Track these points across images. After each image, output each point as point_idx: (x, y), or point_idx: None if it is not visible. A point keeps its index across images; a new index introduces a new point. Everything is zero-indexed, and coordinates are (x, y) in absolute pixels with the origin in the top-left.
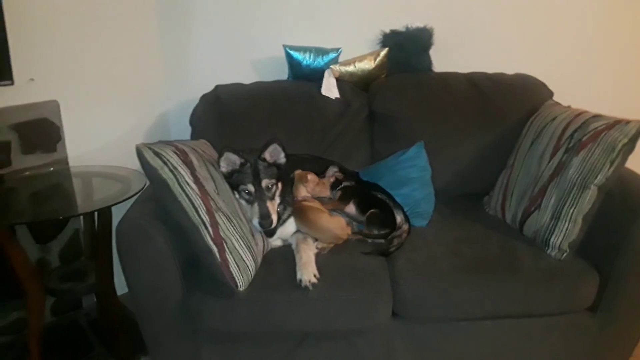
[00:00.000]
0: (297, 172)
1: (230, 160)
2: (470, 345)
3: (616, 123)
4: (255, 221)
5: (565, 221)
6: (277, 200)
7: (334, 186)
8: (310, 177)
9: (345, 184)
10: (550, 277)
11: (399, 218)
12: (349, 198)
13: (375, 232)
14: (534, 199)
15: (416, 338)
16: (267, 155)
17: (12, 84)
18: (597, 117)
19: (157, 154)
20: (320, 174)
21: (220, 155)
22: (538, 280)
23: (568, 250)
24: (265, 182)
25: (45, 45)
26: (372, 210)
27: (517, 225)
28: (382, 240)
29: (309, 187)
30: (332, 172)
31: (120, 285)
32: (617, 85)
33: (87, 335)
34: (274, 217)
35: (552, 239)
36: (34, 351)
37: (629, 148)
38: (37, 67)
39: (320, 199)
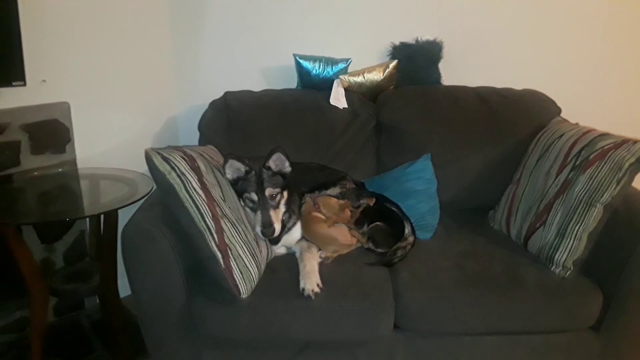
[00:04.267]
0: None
1: (234, 168)
2: None
3: (624, 142)
4: (258, 229)
5: (570, 239)
6: (282, 209)
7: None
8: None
9: (363, 201)
10: (554, 295)
11: (407, 229)
12: (364, 219)
13: (377, 248)
14: (540, 216)
15: (418, 351)
16: (271, 164)
17: (25, 84)
18: (604, 135)
19: (165, 159)
20: (329, 184)
21: (225, 162)
22: (541, 297)
23: (572, 268)
24: (269, 191)
25: (58, 48)
26: (375, 224)
27: (522, 241)
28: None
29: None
30: (363, 202)
31: (123, 288)
32: (625, 103)
33: (88, 336)
34: (277, 226)
35: (556, 256)
36: (35, 350)
37: (636, 167)
38: (49, 69)
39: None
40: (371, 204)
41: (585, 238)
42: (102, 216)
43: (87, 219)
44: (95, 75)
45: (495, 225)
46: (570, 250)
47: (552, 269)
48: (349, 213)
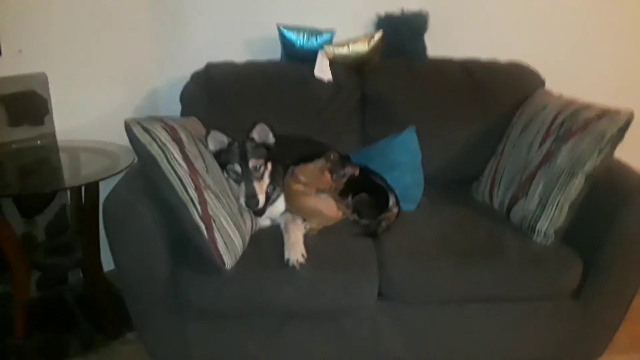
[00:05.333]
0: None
1: (217, 139)
2: (455, 327)
3: (606, 113)
4: (242, 200)
5: (552, 208)
6: (266, 180)
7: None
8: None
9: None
10: (535, 263)
11: (391, 201)
12: (349, 191)
13: (362, 219)
14: (522, 186)
15: (402, 319)
16: (254, 135)
17: (0, 55)
18: (587, 106)
19: (146, 129)
20: (314, 156)
21: (207, 133)
22: (523, 265)
23: (553, 237)
24: (252, 162)
25: (34, 17)
26: (359, 195)
27: (505, 211)
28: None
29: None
30: (348, 172)
31: (107, 262)
32: (609, 75)
33: (72, 310)
34: (261, 198)
35: (538, 225)
36: (19, 325)
37: (617, 137)
38: (25, 39)
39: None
40: (356, 174)
41: (567, 208)
42: (83, 188)
43: (68, 192)
44: (73, 45)
45: (479, 197)
46: (551, 220)
47: (534, 238)
48: (328, 176)
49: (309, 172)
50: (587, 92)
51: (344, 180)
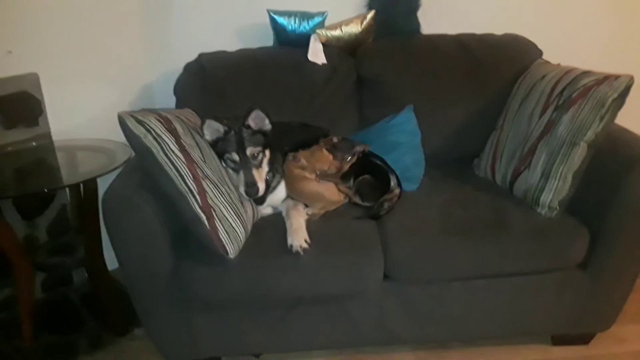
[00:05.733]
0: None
1: (213, 128)
2: (463, 305)
3: (606, 78)
4: (242, 189)
5: (555, 179)
6: (265, 168)
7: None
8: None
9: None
10: (541, 235)
11: (392, 182)
12: (351, 173)
13: (364, 201)
14: (524, 158)
15: (408, 300)
16: (250, 122)
17: None
18: (586, 73)
19: (139, 121)
20: (312, 141)
21: (202, 123)
22: (528, 238)
23: (558, 208)
24: (250, 150)
25: (22, 17)
26: (362, 177)
27: (507, 185)
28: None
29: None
30: (359, 149)
31: (112, 261)
32: (606, 41)
33: (78, 309)
34: (261, 185)
35: (542, 197)
36: (25, 327)
37: (618, 103)
38: (15, 39)
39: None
40: (366, 150)
41: (570, 177)
42: (81, 186)
43: (68, 191)
44: (64, 44)
45: (481, 173)
46: (555, 191)
47: (538, 210)
48: (327, 154)
49: (309, 155)
50: (584, 60)
51: (354, 159)
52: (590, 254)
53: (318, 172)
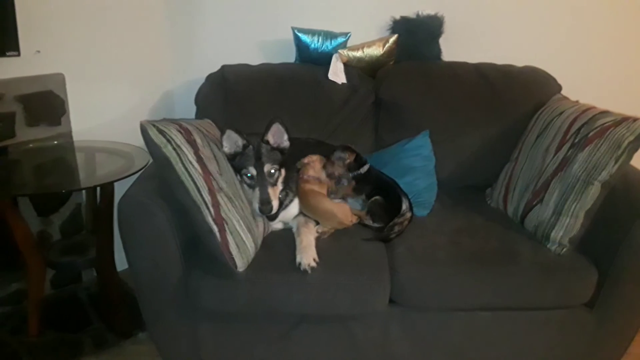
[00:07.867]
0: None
1: (232, 140)
2: (466, 335)
3: (623, 120)
4: (256, 206)
5: (567, 216)
6: (280, 186)
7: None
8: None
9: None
10: (549, 272)
11: (404, 205)
12: (362, 189)
13: (374, 222)
14: (537, 193)
15: (413, 326)
16: (270, 137)
17: (19, 55)
18: (604, 113)
19: (161, 131)
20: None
21: (222, 133)
22: (536, 273)
23: (568, 246)
24: (267, 167)
25: (52, 18)
26: (375, 198)
27: (519, 218)
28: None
29: (316, 167)
30: (342, 156)
31: (121, 262)
32: (626, 81)
33: (86, 309)
34: (275, 204)
35: (552, 234)
36: (32, 322)
37: (635, 146)
38: (43, 40)
39: (337, 185)
40: (351, 159)
41: (582, 216)
42: (98, 189)
43: (84, 192)
44: (90, 47)
45: (493, 203)
46: (566, 228)
47: (548, 246)
48: (319, 166)
49: (311, 166)
50: (603, 99)
51: (341, 164)
52: (597, 293)
53: (329, 187)
